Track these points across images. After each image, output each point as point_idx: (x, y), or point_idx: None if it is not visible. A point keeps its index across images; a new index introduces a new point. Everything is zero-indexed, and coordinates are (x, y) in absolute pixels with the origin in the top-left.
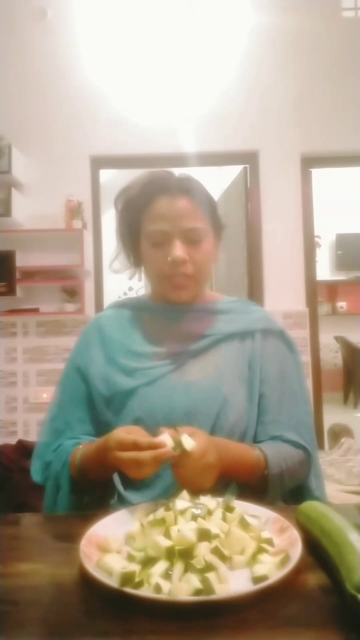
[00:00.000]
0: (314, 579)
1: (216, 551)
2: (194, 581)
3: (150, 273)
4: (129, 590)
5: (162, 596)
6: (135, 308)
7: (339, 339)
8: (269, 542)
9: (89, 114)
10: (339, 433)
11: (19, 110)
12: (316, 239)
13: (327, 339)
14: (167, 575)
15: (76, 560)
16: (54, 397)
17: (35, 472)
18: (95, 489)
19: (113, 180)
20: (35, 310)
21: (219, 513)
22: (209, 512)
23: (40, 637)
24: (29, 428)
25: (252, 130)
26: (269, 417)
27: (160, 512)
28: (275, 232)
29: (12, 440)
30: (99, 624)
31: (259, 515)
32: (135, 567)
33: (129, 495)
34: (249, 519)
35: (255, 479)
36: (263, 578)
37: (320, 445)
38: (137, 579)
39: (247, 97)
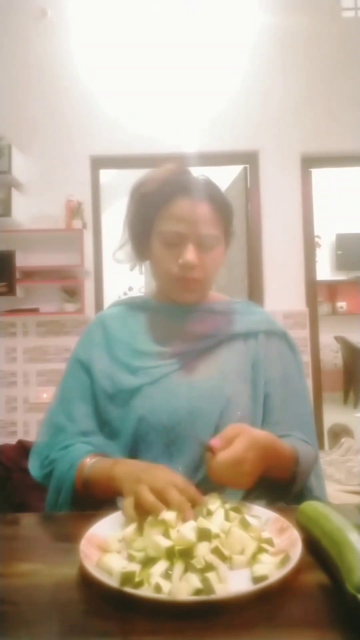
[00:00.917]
0: (314, 579)
1: (216, 551)
2: (194, 581)
3: (159, 271)
4: (129, 590)
5: (162, 596)
6: (139, 307)
7: (339, 339)
8: (269, 542)
9: (89, 114)
10: (339, 433)
11: (19, 110)
12: (316, 239)
13: (327, 339)
14: (167, 575)
15: (76, 560)
16: (54, 396)
17: (34, 469)
18: (98, 504)
19: (113, 180)
20: (35, 310)
21: (221, 512)
22: (209, 512)
23: (40, 637)
24: (29, 428)
25: (252, 130)
26: (274, 418)
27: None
28: (275, 232)
29: (12, 440)
30: (99, 624)
31: (259, 515)
32: (135, 567)
33: None
34: (249, 519)
35: (286, 475)
36: (263, 578)
37: (320, 445)
38: (137, 579)
39: (247, 97)
